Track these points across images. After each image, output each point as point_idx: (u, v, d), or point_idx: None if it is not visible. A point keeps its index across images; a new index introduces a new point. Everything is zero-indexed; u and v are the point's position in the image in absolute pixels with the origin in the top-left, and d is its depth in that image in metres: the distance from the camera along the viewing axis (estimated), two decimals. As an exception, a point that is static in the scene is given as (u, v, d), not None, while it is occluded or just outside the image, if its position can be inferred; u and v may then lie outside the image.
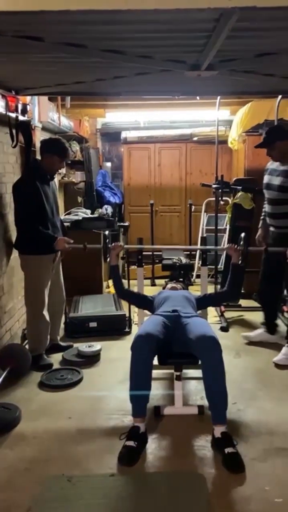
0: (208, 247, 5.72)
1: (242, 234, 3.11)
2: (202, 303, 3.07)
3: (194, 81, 2.62)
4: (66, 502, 2.03)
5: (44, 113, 4.26)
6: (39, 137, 4.19)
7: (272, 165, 3.57)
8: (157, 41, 1.99)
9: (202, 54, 2.06)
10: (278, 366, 3.41)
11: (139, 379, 2.42)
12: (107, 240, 3.24)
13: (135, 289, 3.37)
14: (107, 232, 3.38)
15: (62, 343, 3.78)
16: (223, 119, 5.92)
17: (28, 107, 3.71)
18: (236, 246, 3.08)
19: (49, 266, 3.45)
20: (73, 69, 2.48)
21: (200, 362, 2.50)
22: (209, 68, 2.25)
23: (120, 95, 3.34)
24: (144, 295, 3.16)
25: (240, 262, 3.05)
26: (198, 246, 5.76)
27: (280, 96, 4.57)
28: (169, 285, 3.33)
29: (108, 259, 3.19)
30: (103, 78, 2.67)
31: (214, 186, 4.80)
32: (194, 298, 3.03)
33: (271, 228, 3.64)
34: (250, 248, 3.10)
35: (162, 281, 5.72)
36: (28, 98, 3.75)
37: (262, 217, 3.84)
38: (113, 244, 3.17)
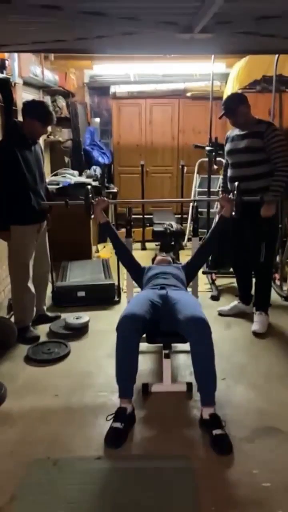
0: (200, 197, 5.61)
1: (236, 183, 2.95)
2: (190, 268, 2.96)
3: (187, 42, 2.36)
4: (51, 487, 2.00)
5: (25, 68, 3.95)
6: (20, 94, 3.90)
7: (233, 133, 3.46)
8: (141, 3, 1.73)
9: (195, 17, 1.80)
10: (257, 335, 3.39)
11: (125, 361, 2.35)
12: (90, 195, 2.95)
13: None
14: (89, 186, 3.04)
15: (49, 314, 3.69)
16: (218, 73, 5.59)
17: (6, 62, 3.42)
18: (229, 196, 2.91)
19: (33, 237, 3.30)
20: (51, 29, 2.21)
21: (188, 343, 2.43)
22: (203, 31, 2.00)
23: (105, 52, 3.05)
24: (138, 262, 3.02)
25: (233, 214, 2.88)
26: (191, 204, 5.62)
27: (279, 51, 4.27)
28: (158, 257, 3.20)
29: (93, 216, 2.98)
30: (85, 37, 2.39)
31: (207, 148, 4.58)
32: (183, 270, 2.92)
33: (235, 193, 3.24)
34: (244, 197, 2.93)
35: (153, 245, 5.64)
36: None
37: (221, 188, 3.66)
38: (96, 199, 2.99)
